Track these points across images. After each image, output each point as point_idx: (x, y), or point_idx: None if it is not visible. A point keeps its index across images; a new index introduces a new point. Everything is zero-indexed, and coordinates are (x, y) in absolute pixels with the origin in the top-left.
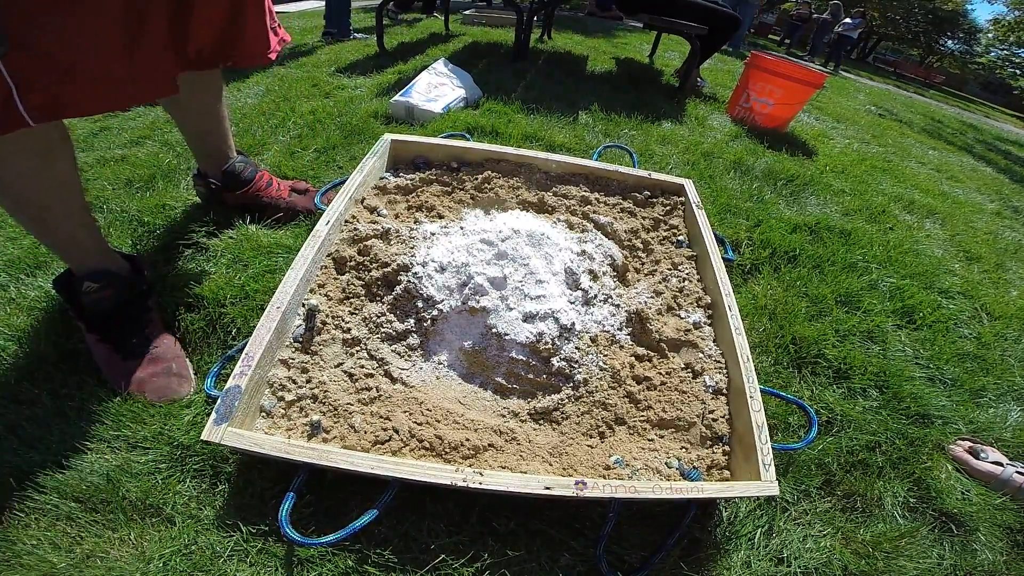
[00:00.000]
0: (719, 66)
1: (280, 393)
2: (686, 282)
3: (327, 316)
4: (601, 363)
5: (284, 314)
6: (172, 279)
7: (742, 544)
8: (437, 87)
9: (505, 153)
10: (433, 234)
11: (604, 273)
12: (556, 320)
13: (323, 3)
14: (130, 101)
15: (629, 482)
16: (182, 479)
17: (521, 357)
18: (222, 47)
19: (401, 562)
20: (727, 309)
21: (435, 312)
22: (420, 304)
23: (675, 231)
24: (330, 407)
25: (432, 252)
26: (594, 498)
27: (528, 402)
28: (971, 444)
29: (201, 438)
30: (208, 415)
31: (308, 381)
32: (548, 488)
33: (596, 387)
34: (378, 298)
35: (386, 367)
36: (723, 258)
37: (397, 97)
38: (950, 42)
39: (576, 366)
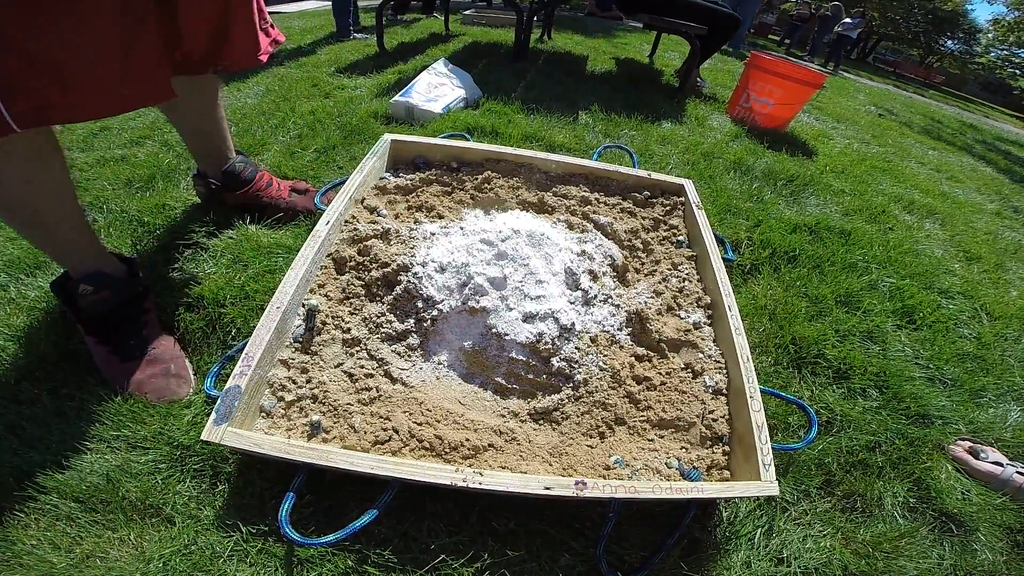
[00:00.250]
0: (719, 66)
1: (280, 393)
2: (686, 282)
3: (327, 316)
4: (601, 363)
5: (284, 314)
6: (172, 279)
7: (742, 544)
8: (437, 87)
9: (505, 153)
10: (433, 234)
11: (604, 273)
12: (556, 320)
13: (323, 3)
14: (123, 107)
15: (629, 482)
16: (182, 479)
17: (521, 357)
18: (211, 51)
19: (401, 562)
20: (727, 309)
21: (435, 312)
22: (420, 304)
23: (675, 231)
24: (330, 407)
25: (432, 252)
26: (594, 498)
27: (528, 402)
28: (971, 444)
29: (201, 438)
30: (208, 415)
31: (308, 381)
32: (548, 488)
33: (596, 387)
34: (378, 298)
35: (386, 367)
36: (723, 258)
37: (397, 97)
38: (950, 42)
39: (576, 366)
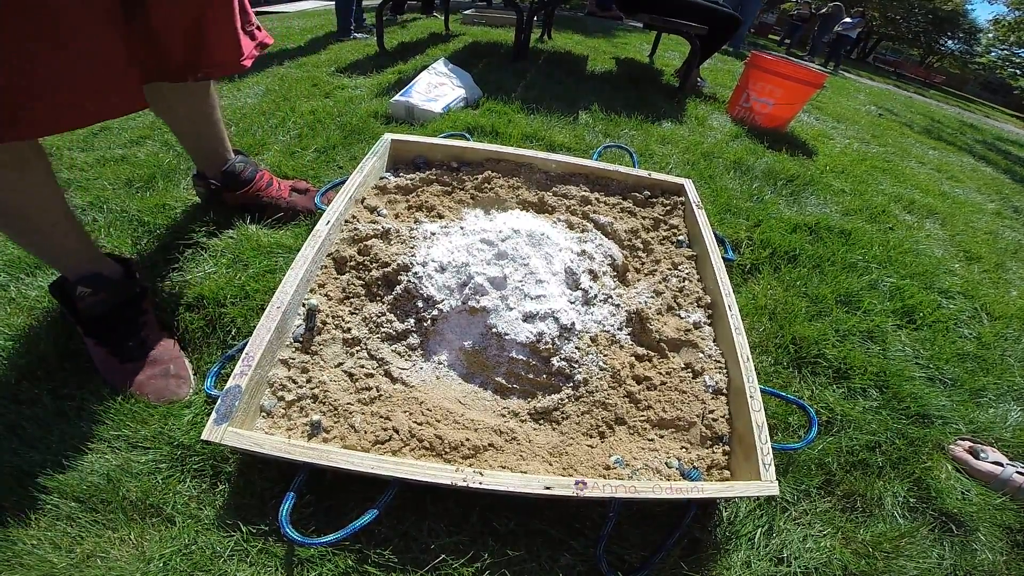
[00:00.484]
0: (719, 66)
1: (280, 393)
2: (686, 282)
3: (327, 316)
4: (601, 363)
5: (284, 314)
6: (172, 279)
7: (742, 544)
8: (437, 87)
9: (505, 153)
10: (433, 234)
11: (604, 273)
12: (556, 320)
13: (323, 3)
14: (90, 119)
15: (629, 482)
16: (182, 479)
17: (521, 357)
18: (190, 57)
19: (401, 562)
20: (727, 309)
21: (435, 312)
22: (420, 304)
23: (675, 231)
24: (330, 407)
25: (432, 252)
26: (594, 498)
27: (528, 402)
28: (971, 444)
29: (201, 438)
30: (208, 415)
31: (308, 381)
32: (548, 488)
33: (596, 387)
34: (378, 298)
35: (386, 367)
36: (723, 258)
37: (397, 97)
38: (950, 42)
39: (576, 366)
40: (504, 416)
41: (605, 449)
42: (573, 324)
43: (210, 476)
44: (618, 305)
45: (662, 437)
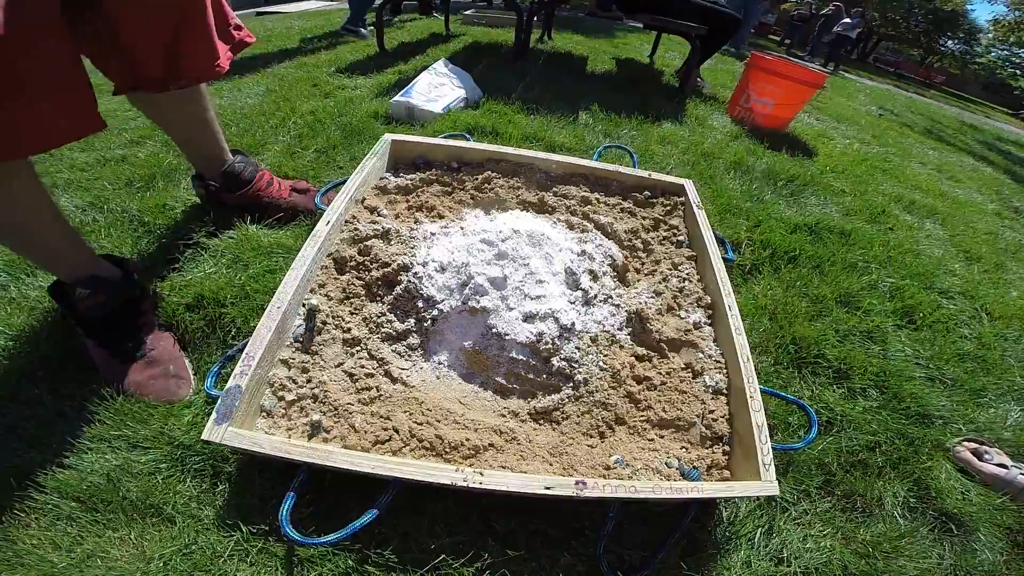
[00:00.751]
0: (719, 66)
1: (280, 393)
2: (686, 282)
3: (327, 316)
4: (601, 363)
5: (284, 314)
6: (172, 279)
7: (742, 544)
8: (437, 87)
9: (505, 153)
10: (433, 234)
11: (604, 273)
12: (556, 320)
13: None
14: (35, 149)
15: (629, 482)
16: (182, 479)
17: (521, 357)
18: (169, 68)
19: (401, 562)
20: (727, 309)
21: (435, 312)
22: (420, 304)
23: (675, 231)
24: (330, 407)
25: (432, 252)
26: (594, 498)
27: (528, 402)
28: (976, 445)
29: (202, 438)
30: (208, 415)
31: (308, 381)
32: (548, 488)
33: (596, 387)
34: (378, 298)
35: (386, 367)
36: (723, 258)
37: (397, 97)
38: (950, 42)
39: (576, 366)
40: (504, 416)
41: (605, 449)
42: (573, 324)
43: (210, 476)
44: (618, 305)
45: (662, 437)
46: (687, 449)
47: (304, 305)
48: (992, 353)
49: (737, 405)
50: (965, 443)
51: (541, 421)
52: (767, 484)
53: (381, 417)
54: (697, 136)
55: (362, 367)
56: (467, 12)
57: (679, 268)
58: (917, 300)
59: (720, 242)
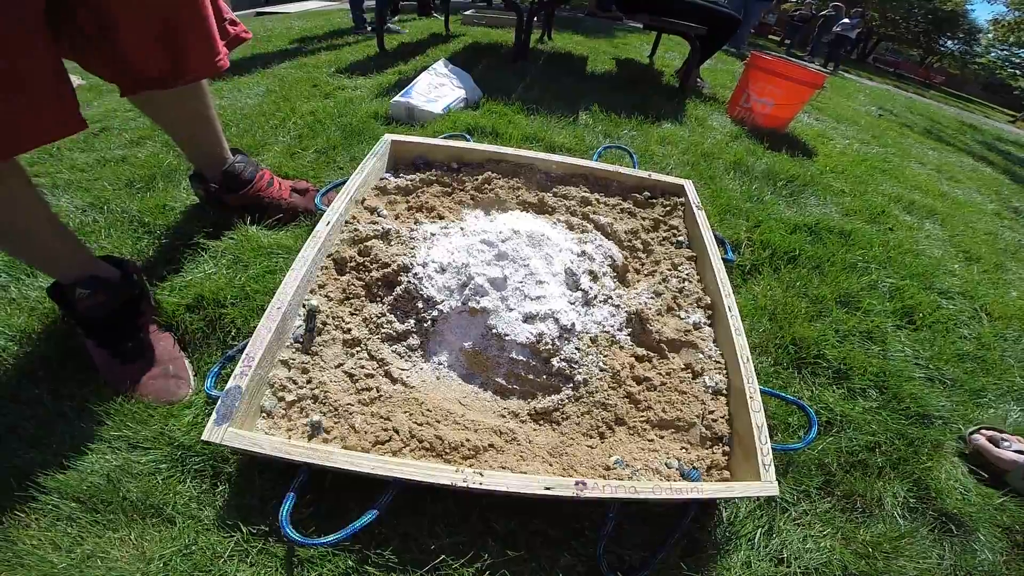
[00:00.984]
0: (719, 66)
1: (280, 393)
2: (686, 283)
3: (327, 317)
4: (601, 363)
5: (284, 314)
6: (172, 280)
7: (742, 544)
8: (437, 87)
9: (505, 154)
10: (433, 235)
11: (604, 274)
12: (556, 321)
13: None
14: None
15: (629, 482)
16: (183, 479)
17: (521, 357)
18: (169, 66)
19: (401, 562)
20: (727, 310)
21: (435, 313)
22: (420, 305)
23: (675, 232)
24: (330, 407)
25: (432, 253)
26: (594, 498)
27: (528, 402)
28: (992, 433)
29: (202, 438)
30: (208, 415)
31: (308, 381)
32: (548, 488)
33: (596, 387)
34: (378, 299)
35: (386, 367)
36: (723, 259)
37: (397, 98)
38: (950, 42)
39: (576, 366)
40: (504, 416)
41: (605, 449)
42: (573, 325)
43: (210, 476)
44: (618, 306)
45: (662, 437)
46: (687, 450)
47: (304, 306)
48: (992, 353)
49: (737, 406)
50: (982, 431)
51: (541, 421)
52: (767, 484)
53: (381, 417)
54: (697, 136)
55: (362, 368)
56: (467, 12)
57: (679, 269)
58: (917, 300)
59: (720, 242)
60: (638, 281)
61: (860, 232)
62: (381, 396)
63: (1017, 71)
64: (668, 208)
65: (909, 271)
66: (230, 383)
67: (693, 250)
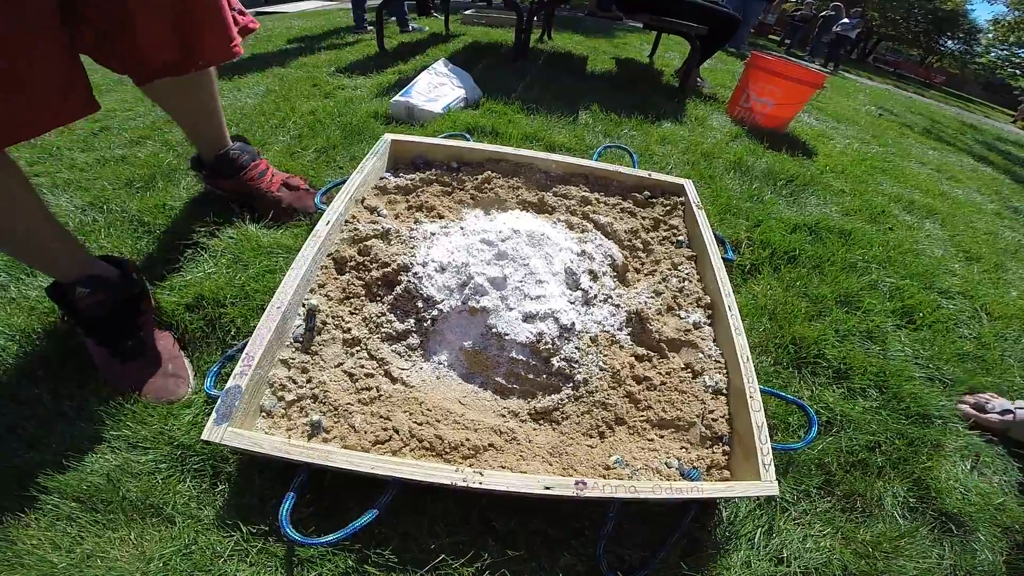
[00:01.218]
0: (719, 66)
1: (280, 393)
2: (686, 282)
3: (327, 316)
4: (601, 363)
5: (284, 314)
6: (172, 279)
7: (742, 544)
8: (437, 87)
9: (505, 153)
10: (433, 234)
11: (604, 273)
12: (556, 320)
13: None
14: (22, 136)
15: (629, 482)
16: (182, 479)
17: (521, 357)
18: (185, 50)
19: (401, 562)
20: (727, 309)
21: (435, 312)
22: (420, 304)
23: (675, 231)
24: (330, 407)
25: (432, 252)
26: (594, 498)
27: (528, 402)
28: (975, 399)
29: (201, 438)
30: (208, 415)
31: (308, 381)
32: (548, 488)
33: (596, 387)
34: (378, 298)
35: (386, 367)
36: (723, 258)
37: (397, 97)
38: (950, 42)
39: (576, 366)
40: (504, 416)
41: (605, 449)
42: (573, 324)
43: (210, 476)
44: (618, 305)
45: (662, 437)
46: (687, 449)
47: (304, 305)
48: (992, 353)
49: (737, 405)
50: (965, 398)
51: (541, 421)
52: (767, 484)
53: (381, 417)
54: (697, 136)
55: (362, 367)
56: (467, 12)
57: (679, 268)
58: (917, 300)
59: (720, 242)
60: (638, 280)
61: (860, 232)
62: (381, 396)
63: (1017, 71)
64: (668, 207)
65: (909, 271)
66: (230, 382)
67: (693, 249)
